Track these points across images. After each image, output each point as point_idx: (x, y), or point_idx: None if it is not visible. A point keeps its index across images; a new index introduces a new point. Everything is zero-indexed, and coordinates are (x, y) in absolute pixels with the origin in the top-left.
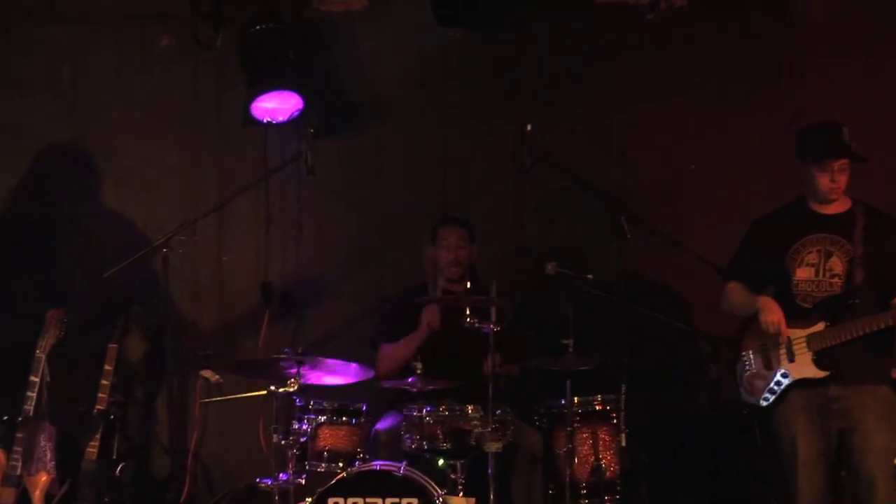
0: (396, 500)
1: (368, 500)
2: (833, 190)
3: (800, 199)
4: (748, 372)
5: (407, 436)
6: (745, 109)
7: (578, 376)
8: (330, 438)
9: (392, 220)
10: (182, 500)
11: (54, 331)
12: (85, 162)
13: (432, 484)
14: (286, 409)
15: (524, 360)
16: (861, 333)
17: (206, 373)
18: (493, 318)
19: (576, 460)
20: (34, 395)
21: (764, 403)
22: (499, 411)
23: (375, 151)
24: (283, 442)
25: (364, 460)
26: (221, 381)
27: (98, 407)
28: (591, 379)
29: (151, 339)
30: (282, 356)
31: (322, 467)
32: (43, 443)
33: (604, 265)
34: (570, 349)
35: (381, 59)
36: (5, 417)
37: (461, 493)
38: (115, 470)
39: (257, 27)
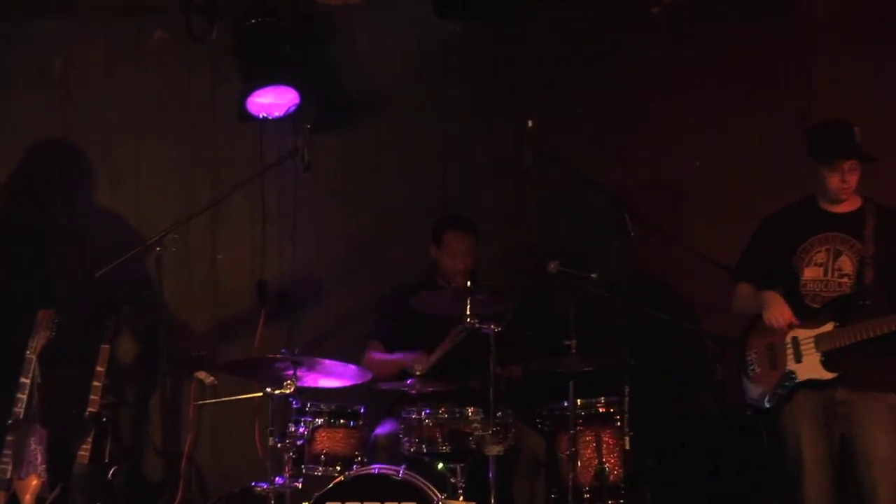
0: None
1: None
2: (843, 190)
3: (809, 197)
4: (754, 372)
5: (406, 439)
6: (752, 106)
7: (581, 378)
8: (327, 441)
9: (391, 217)
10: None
11: (45, 331)
12: (76, 158)
13: (432, 488)
14: (282, 412)
15: (525, 361)
16: (871, 335)
17: (201, 374)
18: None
19: (579, 464)
20: (24, 396)
21: (769, 405)
22: (500, 414)
23: (373, 147)
24: (279, 445)
25: (362, 464)
26: (216, 382)
27: (90, 409)
28: (594, 380)
29: (144, 340)
30: (278, 357)
31: (319, 471)
32: (33, 446)
33: (607, 264)
34: (573, 350)
35: (379, 53)
36: None
37: (461, 498)
38: (108, 473)
39: (253, 20)
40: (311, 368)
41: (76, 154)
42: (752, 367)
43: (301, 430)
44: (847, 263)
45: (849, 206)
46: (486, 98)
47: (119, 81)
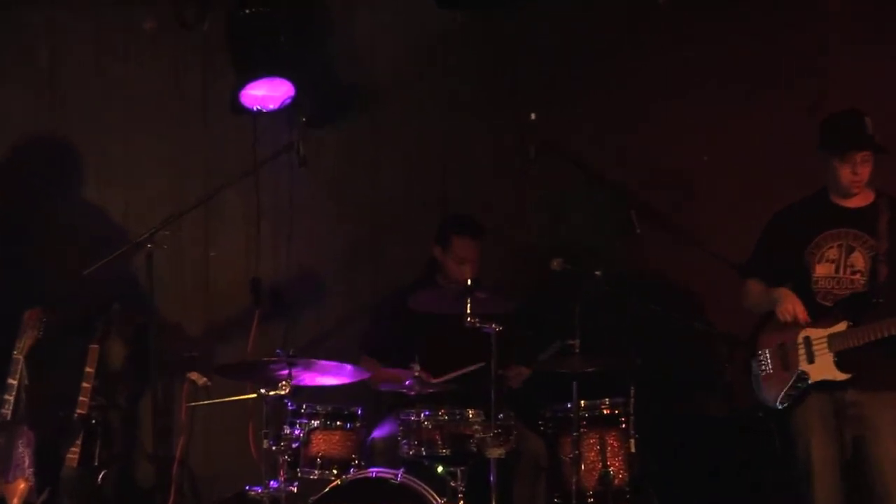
0: None
1: None
2: (855, 183)
3: (821, 191)
4: (765, 372)
5: (404, 441)
6: (761, 99)
7: (585, 378)
8: (323, 444)
9: (389, 213)
10: None
11: (32, 331)
12: (63, 152)
13: (431, 492)
14: (277, 414)
15: (528, 360)
16: (886, 335)
17: (193, 375)
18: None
19: (582, 467)
20: (12, 398)
21: (781, 406)
22: (501, 415)
23: (372, 141)
24: (273, 448)
25: (359, 467)
26: (209, 383)
27: (79, 411)
28: (598, 381)
29: (134, 340)
30: (273, 358)
31: (315, 474)
32: (21, 448)
33: (612, 262)
34: (577, 350)
35: (377, 44)
36: None
37: (461, 502)
38: (97, 478)
39: (246, 10)
40: (307, 369)
41: (64, 148)
42: (763, 368)
43: (296, 432)
44: (860, 260)
45: (861, 200)
46: (488, 90)
47: (108, 73)
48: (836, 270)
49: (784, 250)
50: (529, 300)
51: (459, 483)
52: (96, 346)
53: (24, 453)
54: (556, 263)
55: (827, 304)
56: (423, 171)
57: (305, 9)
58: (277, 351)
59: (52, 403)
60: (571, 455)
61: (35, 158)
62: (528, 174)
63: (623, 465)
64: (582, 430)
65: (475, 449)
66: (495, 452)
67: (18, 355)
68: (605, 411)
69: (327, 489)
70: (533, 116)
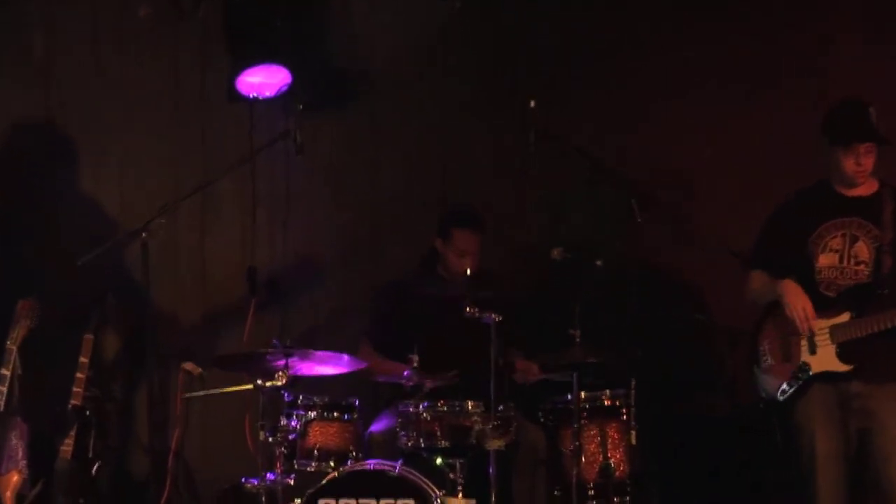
0: (391, 501)
1: (361, 501)
2: (859, 174)
3: (824, 180)
4: (766, 363)
5: (403, 433)
6: (761, 99)
7: (585, 370)
8: (320, 435)
9: (387, 202)
10: (162, 501)
11: (26, 321)
12: (57, 140)
13: (430, 484)
14: (274, 405)
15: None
16: (890, 326)
17: (188, 365)
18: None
19: (583, 459)
20: (5, 389)
21: (782, 398)
22: (501, 407)
23: (370, 129)
24: (270, 439)
25: (357, 459)
26: (204, 373)
27: (73, 402)
28: (599, 373)
29: (129, 330)
30: (269, 349)
31: (312, 466)
32: (14, 440)
33: (613, 252)
34: (577, 340)
35: (375, 32)
36: None
37: (461, 495)
38: (91, 470)
39: None
40: (304, 359)
41: (59, 139)
42: (765, 359)
43: (293, 423)
44: (864, 250)
45: (865, 189)
46: (489, 77)
47: (103, 61)
48: (840, 260)
49: (787, 240)
50: (529, 298)
51: (458, 475)
52: (91, 336)
53: (17, 445)
54: (556, 252)
55: (830, 294)
56: (421, 157)
57: None
58: (274, 341)
59: (46, 395)
60: (572, 447)
61: (30, 149)
62: (527, 161)
63: (624, 458)
64: (582, 421)
65: (475, 441)
66: (495, 444)
67: (12, 346)
68: (605, 402)
69: (324, 481)
70: (532, 103)
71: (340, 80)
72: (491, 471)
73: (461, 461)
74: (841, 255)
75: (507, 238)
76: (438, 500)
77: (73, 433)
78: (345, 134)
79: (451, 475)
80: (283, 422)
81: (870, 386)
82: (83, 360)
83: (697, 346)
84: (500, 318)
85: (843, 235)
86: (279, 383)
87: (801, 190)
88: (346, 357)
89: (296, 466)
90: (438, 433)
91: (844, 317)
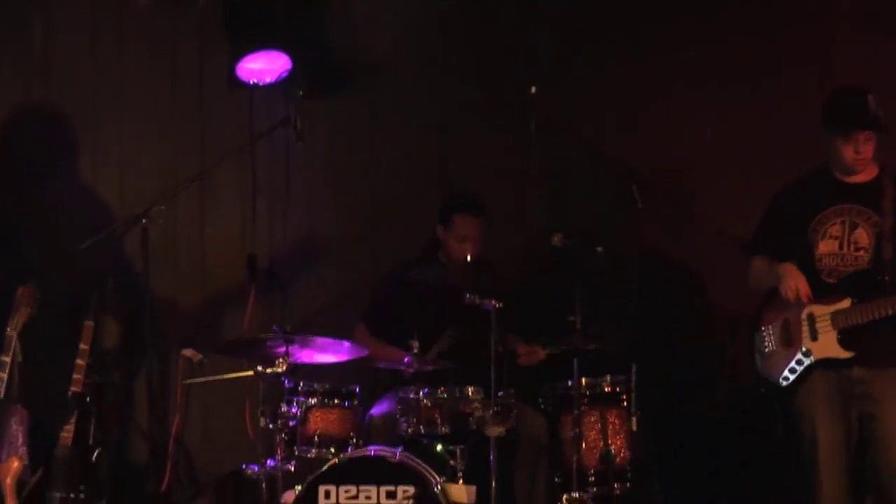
0: (392, 487)
1: (362, 487)
2: (858, 161)
3: (823, 166)
4: (768, 349)
5: (403, 420)
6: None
7: (586, 356)
8: (321, 422)
9: (388, 188)
10: (162, 488)
11: (25, 308)
12: (56, 127)
13: (430, 471)
14: (274, 391)
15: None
16: (891, 312)
17: (188, 352)
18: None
19: (583, 446)
20: (5, 376)
21: (784, 383)
22: (501, 393)
23: (370, 116)
24: (270, 426)
25: (357, 445)
26: (205, 360)
27: (73, 389)
28: (599, 359)
29: (129, 317)
30: (269, 335)
31: (312, 453)
32: (14, 427)
33: (614, 239)
34: (577, 327)
35: (376, 16)
36: None
37: (461, 481)
38: (91, 456)
39: None
40: (304, 346)
41: (58, 126)
42: (766, 345)
43: (293, 410)
44: (864, 237)
45: (865, 175)
46: (490, 64)
47: (102, 48)
48: (840, 247)
49: (787, 227)
50: (529, 284)
51: (459, 462)
52: (91, 323)
53: (17, 431)
54: (556, 239)
55: (831, 280)
56: (421, 144)
57: None
58: (274, 328)
59: (46, 381)
60: (572, 433)
61: (28, 136)
62: (530, 146)
63: (625, 444)
64: (583, 407)
65: (475, 427)
66: (495, 431)
67: (12, 332)
68: (606, 389)
69: (325, 468)
70: (533, 90)
71: (340, 65)
72: (491, 457)
73: (461, 448)
74: (840, 241)
75: (508, 224)
76: (439, 487)
77: (73, 420)
78: (344, 120)
79: (452, 462)
80: (284, 408)
81: (871, 372)
82: (83, 346)
83: (698, 332)
84: (500, 304)
85: (843, 222)
86: (279, 370)
87: (801, 177)
88: (346, 344)
89: (296, 453)
90: (439, 420)
91: (845, 303)
